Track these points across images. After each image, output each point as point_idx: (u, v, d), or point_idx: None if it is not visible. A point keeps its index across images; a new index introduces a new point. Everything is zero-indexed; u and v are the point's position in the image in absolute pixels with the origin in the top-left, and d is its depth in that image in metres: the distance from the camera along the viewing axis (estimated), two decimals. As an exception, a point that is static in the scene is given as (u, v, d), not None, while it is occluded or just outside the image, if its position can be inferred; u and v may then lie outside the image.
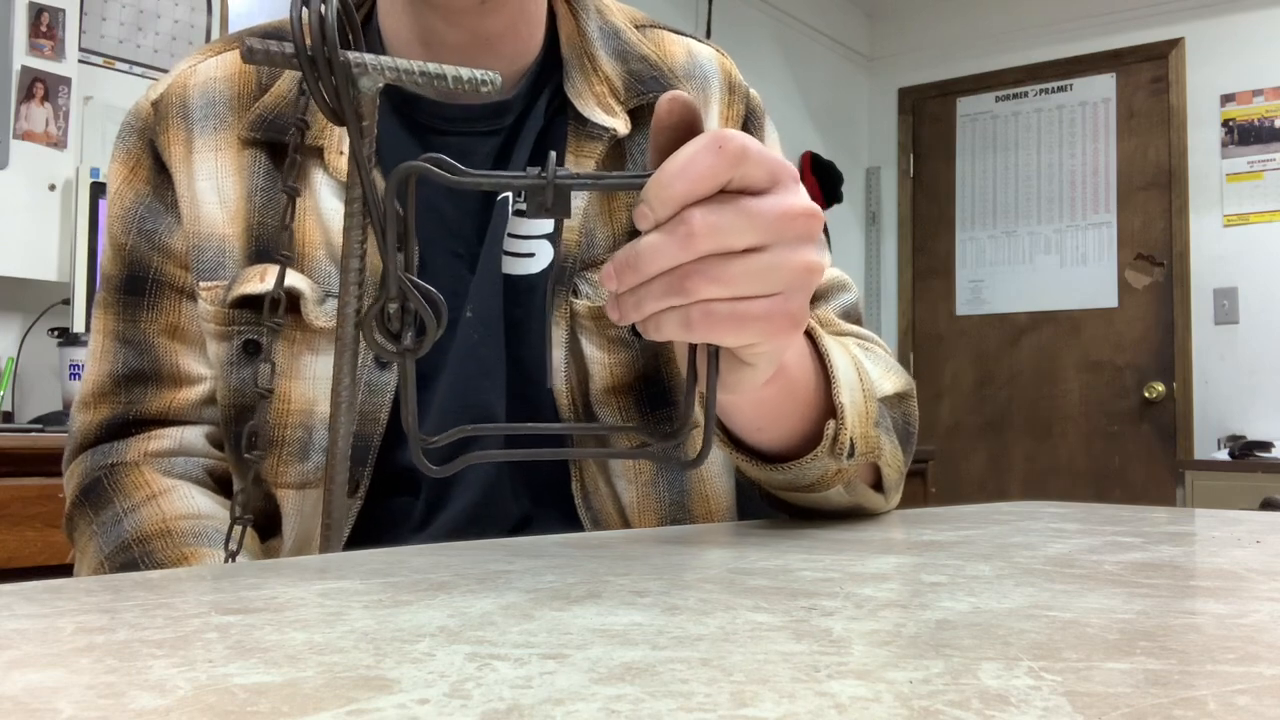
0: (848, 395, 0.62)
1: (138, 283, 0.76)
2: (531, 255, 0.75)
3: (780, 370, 0.57)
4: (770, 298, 0.47)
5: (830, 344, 0.64)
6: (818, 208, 0.48)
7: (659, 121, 0.47)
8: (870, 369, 0.68)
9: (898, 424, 0.71)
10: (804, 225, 0.47)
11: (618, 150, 0.76)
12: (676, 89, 0.77)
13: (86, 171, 2.12)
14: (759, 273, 0.46)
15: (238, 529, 0.60)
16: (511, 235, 0.74)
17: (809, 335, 0.63)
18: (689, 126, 0.47)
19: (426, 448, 0.46)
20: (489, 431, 0.54)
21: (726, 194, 0.45)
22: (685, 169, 0.44)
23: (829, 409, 0.62)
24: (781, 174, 0.46)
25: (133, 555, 0.69)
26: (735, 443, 0.63)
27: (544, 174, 0.44)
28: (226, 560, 0.59)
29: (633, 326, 0.64)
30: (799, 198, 0.47)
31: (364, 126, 0.51)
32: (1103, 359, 4.27)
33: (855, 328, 0.79)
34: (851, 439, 0.62)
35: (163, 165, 0.76)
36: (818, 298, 0.80)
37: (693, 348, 0.50)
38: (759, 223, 0.45)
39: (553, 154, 0.46)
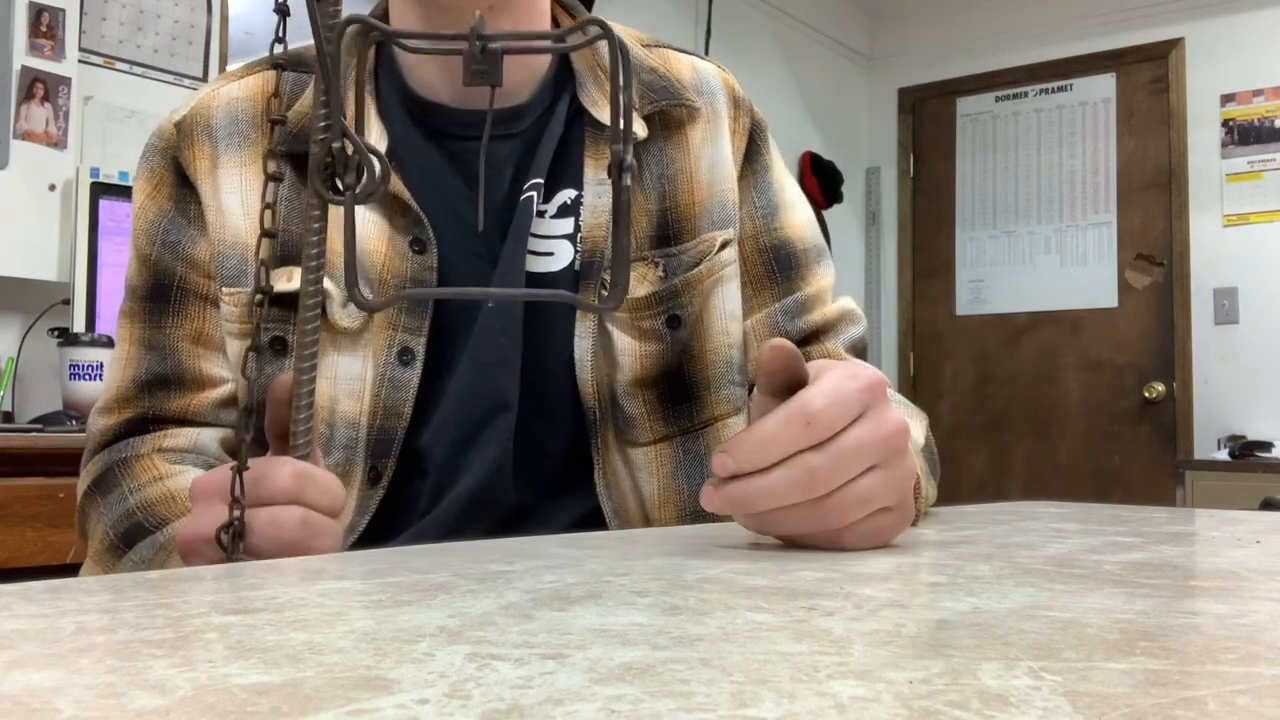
0: (924, 482, 0.67)
1: (163, 290, 0.79)
2: (551, 254, 0.77)
3: None
4: (895, 510, 0.52)
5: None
6: (904, 421, 0.53)
7: (763, 367, 0.51)
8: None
9: (932, 462, 0.75)
10: (900, 441, 0.52)
11: (634, 154, 0.79)
12: (687, 99, 0.81)
13: (86, 171, 2.12)
14: (882, 491, 0.51)
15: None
16: (534, 235, 0.77)
17: None
18: (792, 371, 0.51)
19: (366, 306, 0.53)
20: (424, 293, 0.57)
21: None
22: (772, 441, 0.49)
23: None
24: (868, 399, 0.51)
25: (137, 519, 0.70)
26: None
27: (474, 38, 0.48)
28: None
29: (668, 319, 0.75)
30: (887, 413, 0.52)
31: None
32: (1103, 359, 4.27)
33: (859, 361, 0.82)
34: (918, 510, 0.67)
35: (186, 180, 0.79)
36: (827, 331, 0.84)
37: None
38: (867, 452, 0.50)
39: (478, 13, 0.49)
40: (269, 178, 0.57)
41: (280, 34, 0.56)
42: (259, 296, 0.58)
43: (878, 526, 0.52)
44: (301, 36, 0.58)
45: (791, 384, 0.51)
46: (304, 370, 0.56)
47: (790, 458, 0.49)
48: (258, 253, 0.58)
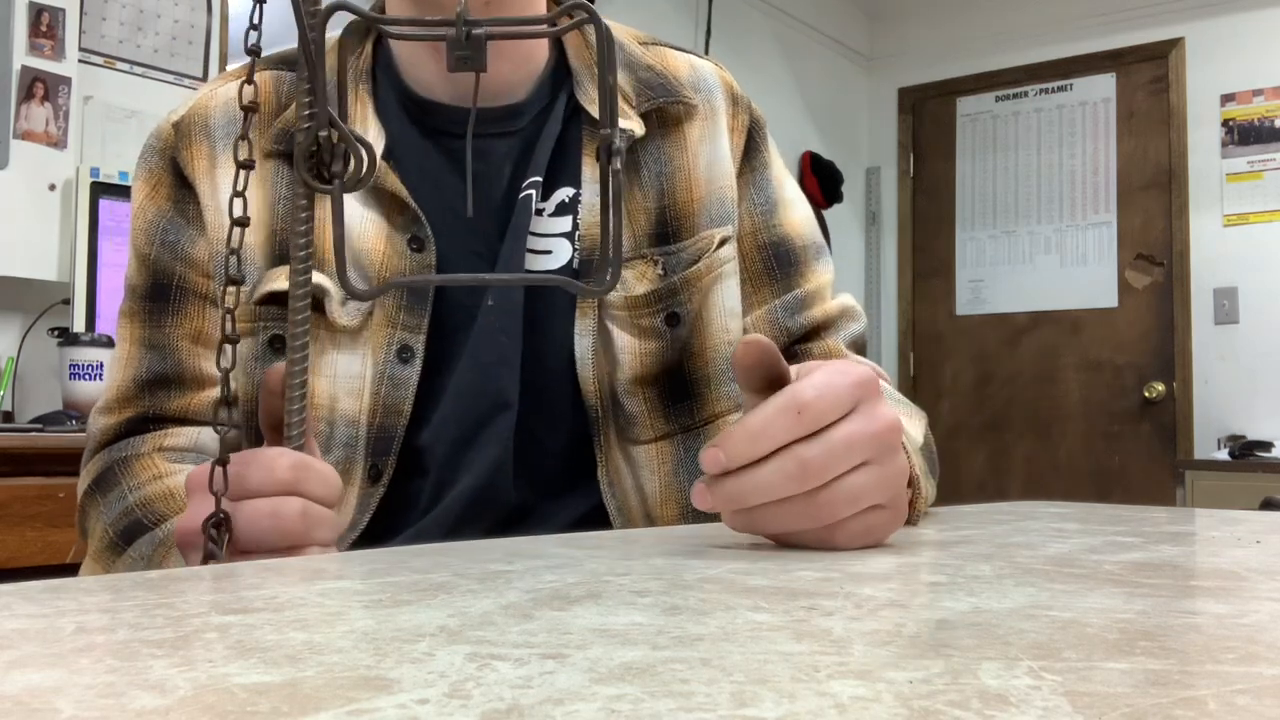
0: (923, 482, 0.67)
1: (162, 290, 0.79)
2: (549, 253, 0.78)
3: None
4: (887, 509, 0.52)
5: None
6: (897, 418, 0.52)
7: (739, 363, 0.51)
8: (906, 425, 0.71)
9: (931, 461, 0.75)
10: (892, 438, 0.51)
11: (632, 151, 0.79)
12: (684, 97, 0.81)
13: (86, 171, 2.12)
14: (875, 487, 0.50)
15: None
16: (532, 233, 0.77)
17: None
18: (769, 366, 0.51)
19: (358, 296, 0.51)
20: (427, 279, 0.57)
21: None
22: (763, 433, 0.48)
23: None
24: (859, 394, 0.50)
25: (136, 517, 0.70)
26: None
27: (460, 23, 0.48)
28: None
29: (667, 317, 0.76)
30: (879, 409, 0.51)
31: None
32: (1103, 359, 4.27)
33: (859, 358, 0.82)
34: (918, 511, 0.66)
35: (184, 180, 0.79)
36: (827, 327, 0.84)
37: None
38: (859, 447, 0.49)
39: (465, 0, 0.49)
40: (240, 165, 0.57)
41: (255, 20, 0.55)
42: (230, 288, 0.58)
43: (869, 525, 0.51)
44: (287, 24, 0.58)
45: (770, 378, 0.51)
46: (296, 360, 0.56)
47: (781, 450, 0.49)
48: (229, 242, 0.57)
